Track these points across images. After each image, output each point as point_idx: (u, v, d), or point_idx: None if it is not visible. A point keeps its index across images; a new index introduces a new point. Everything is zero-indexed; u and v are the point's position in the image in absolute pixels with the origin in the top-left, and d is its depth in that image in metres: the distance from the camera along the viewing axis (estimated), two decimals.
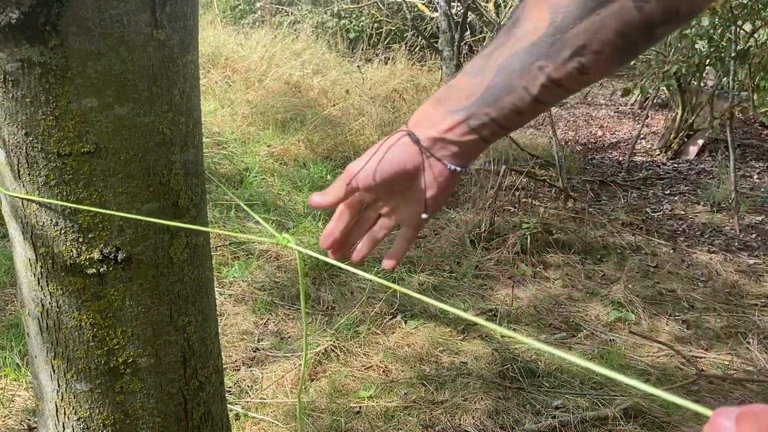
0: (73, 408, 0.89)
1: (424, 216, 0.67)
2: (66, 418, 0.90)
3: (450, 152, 0.64)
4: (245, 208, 0.91)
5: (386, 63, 6.28)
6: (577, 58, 0.57)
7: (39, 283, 0.84)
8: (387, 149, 0.65)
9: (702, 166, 4.87)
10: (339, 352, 2.22)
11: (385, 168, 0.64)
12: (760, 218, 3.85)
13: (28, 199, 0.80)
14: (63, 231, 0.80)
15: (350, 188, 0.66)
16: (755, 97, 4.58)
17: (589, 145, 5.50)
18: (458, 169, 0.65)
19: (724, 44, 4.14)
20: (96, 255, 0.81)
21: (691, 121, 5.02)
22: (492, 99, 0.61)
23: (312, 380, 2.08)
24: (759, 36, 4.58)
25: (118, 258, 0.82)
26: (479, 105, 0.61)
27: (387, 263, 0.71)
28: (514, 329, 2.45)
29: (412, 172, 0.65)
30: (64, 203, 0.78)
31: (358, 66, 5.86)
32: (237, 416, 1.89)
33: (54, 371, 0.88)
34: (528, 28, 0.59)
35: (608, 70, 0.59)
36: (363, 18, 7.10)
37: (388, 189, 0.67)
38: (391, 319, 2.46)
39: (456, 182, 0.67)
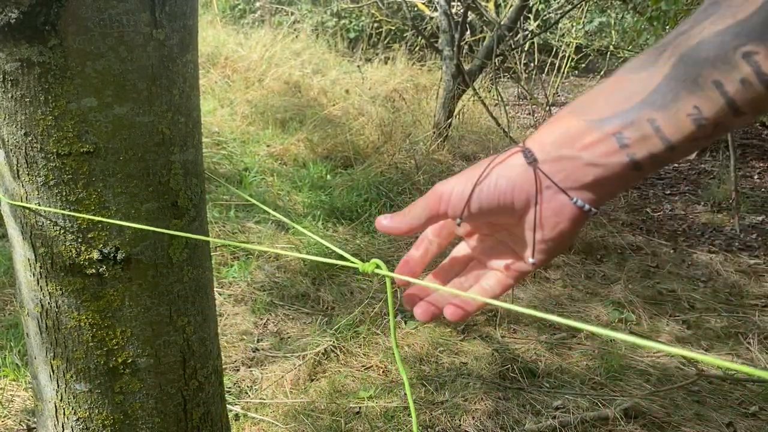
0: (72, 408, 0.89)
1: (530, 261, 0.51)
2: (65, 419, 0.90)
3: (581, 181, 0.46)
4: (302, 229, 0.91)
5: (386, 63, 6.28)
6: None
7: (38, 283, 0.84)
8: (491, 169, 0.49)
9: (702, 166, 4.87)
10: (339, 353, 2.22)
11: (483, 195, 0.49)
12: (760, 218, 3.85)
13: (22, 206, 0.80)
14: (62, 231, 0.80)
15: (435, 214, 0.51)
16: None
17: None
18: (588, 208, 0.47)
19: None
20: (95, 255, 0.81)
21: None
22: (663, 100, 0.43)
23: (312, 380, 2.08)
24: None
25: (118, 258, 0.82)
26: (642, 109, 0.43)
27: (451, 313, 0.54)
28: (514, 330, 2.45)
29: (520, 205, 0.48)
30: (58, 211, 0.78)
31: (358, 66, 5.86)
32: (236, 417, 1.89)
33: (53, 371, 0.88)
34: (735, 2, 0.41)
35: None
36: (363, 17, 7.10)
37: (487, 222, 0.52)
38: None
39: (582, 225, 0.49)
